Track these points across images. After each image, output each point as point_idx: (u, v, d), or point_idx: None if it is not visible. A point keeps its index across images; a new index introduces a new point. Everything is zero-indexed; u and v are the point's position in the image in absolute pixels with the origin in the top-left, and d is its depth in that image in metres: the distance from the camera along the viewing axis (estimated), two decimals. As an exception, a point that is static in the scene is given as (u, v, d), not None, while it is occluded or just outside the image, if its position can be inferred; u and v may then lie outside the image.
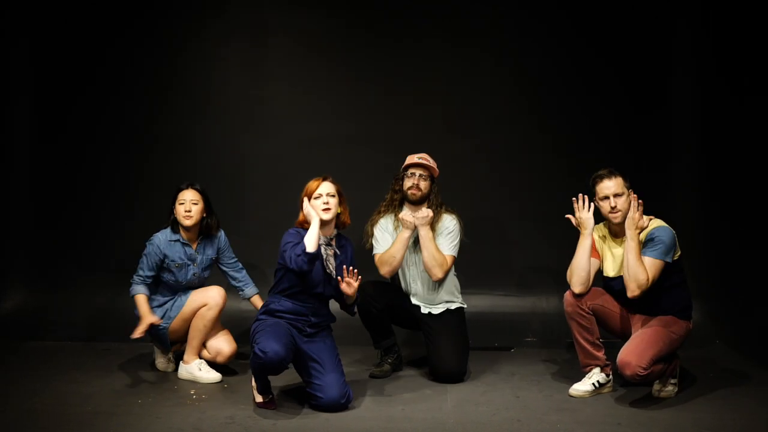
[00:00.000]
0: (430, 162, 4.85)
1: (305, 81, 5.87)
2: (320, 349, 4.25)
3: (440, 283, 4.81)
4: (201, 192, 4.83)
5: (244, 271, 5.04)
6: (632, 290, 4.20)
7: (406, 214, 4.71)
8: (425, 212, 4.68)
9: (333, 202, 4.26)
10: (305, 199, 4.27)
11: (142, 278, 4.76)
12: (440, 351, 4.69)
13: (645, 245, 4.27)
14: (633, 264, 4.18)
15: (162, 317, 4.75)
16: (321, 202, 4.23)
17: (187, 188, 4.81)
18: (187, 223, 4.77)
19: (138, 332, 4.58)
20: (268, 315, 4.27)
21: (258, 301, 4.97)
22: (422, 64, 5.82)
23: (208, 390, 4.52)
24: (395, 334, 4.92)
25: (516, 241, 5.84)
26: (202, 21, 5.86)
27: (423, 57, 5.82)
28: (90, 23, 5.81)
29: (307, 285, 4.23)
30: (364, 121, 5.85)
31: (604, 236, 4.50)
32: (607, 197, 4.34)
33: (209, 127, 5.86)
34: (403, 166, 4.90)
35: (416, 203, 4.83)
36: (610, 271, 4.45)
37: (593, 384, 4.40)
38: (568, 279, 4.42)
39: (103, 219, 5.83)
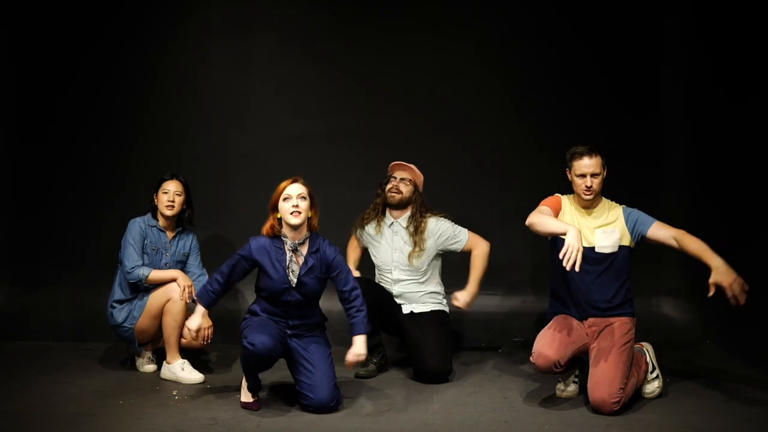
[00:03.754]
0: (412, 166, 4.99)
1: (290, 77, 5.83)
2: (311, 347, 4.19)
3: (424, 282, 4.91)
4: (184, 184, 4.94)
5: (205, 278, 4.94)
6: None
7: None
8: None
9: (303, 205, 4.12)
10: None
11: (136, 263, 4.74)
12: (423, 349, 4.66)
13: (636, 223, 4.28)
14: (692, 250, 4.23)
15: (126, 318, 4.74)
16: (290, 205, 4.11)
17: (171, 179, 4.91)
18: (168, 213, 4.86)
19: (185, 294, 4.67)
20: (251, 315, 4.25)
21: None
22: (408, 62, 5.79)
23: (191, 391, 4.48)
24: (381, 334, 4.89)
25: (503, 241, 5.79)
26: (186, 16, 5.81)
27: (409, 55, 5.79)
28: (73, 18, 5.75)
29: (272, 292, 4.16)
30: (349, 118, 5.82)
31: (574, 209, 4.40)
32: (584, 175, 4.29)
33: (193, 123, 5.82)
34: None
35: (396, 207, 4.97)
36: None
37: (575, 382, 4.38)
38: (528, 225, 4.24)
39: (87, 217, 5.77)
